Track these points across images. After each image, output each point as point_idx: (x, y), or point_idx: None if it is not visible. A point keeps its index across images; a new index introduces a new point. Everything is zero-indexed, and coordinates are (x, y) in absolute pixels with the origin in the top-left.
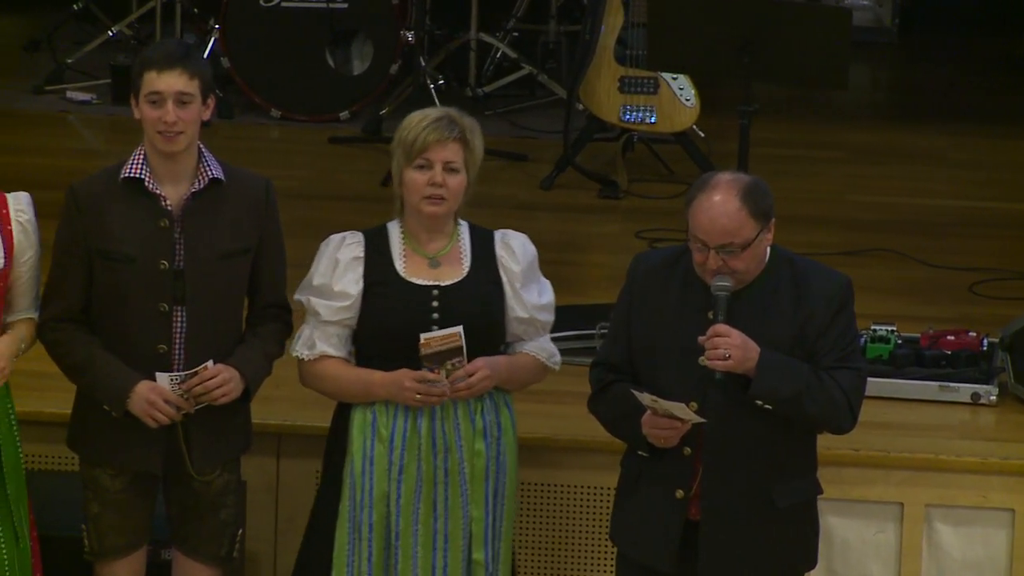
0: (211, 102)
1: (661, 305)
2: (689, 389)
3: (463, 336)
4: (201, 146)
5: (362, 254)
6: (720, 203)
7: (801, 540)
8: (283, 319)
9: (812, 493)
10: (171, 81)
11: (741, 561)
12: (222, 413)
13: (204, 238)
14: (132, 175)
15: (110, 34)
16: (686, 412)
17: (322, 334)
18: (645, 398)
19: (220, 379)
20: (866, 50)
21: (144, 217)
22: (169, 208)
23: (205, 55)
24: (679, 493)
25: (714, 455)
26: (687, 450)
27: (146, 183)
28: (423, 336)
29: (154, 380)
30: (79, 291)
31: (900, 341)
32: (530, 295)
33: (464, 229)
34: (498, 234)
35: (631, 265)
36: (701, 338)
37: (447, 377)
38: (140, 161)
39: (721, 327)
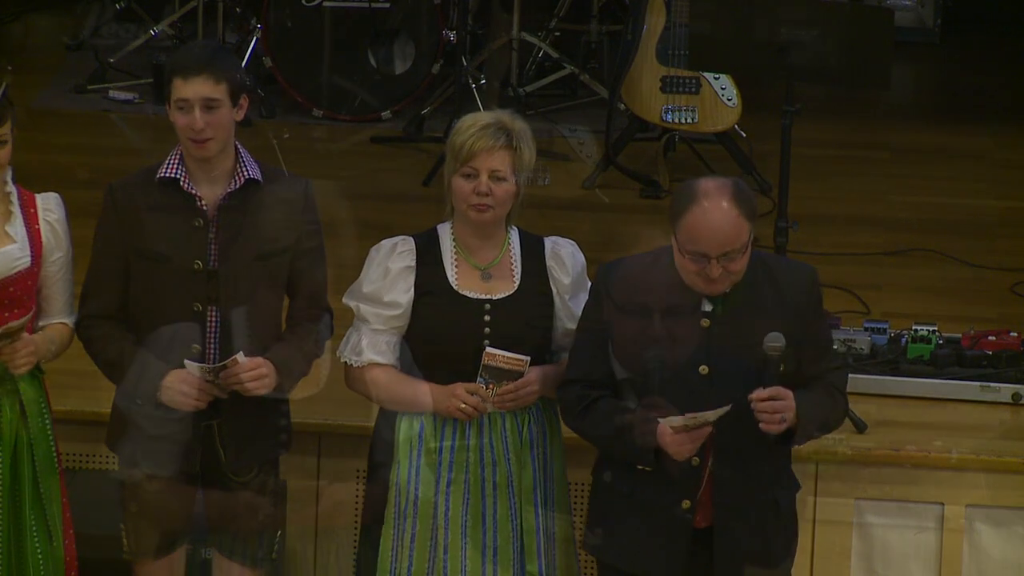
0: (243, 102)
1: (646, 313)
2: (686, 395)
3: (528, 365)
4: (239, 146)
5: (413, 263)
6: (717, 211)
7: (792, 534)
8: (322, 320)
9: (796, 488)
10: (197, 88)
11: (752, 563)
12: (258, 414)
13: (239, 238)
14: (168, 175)
15: (152, 34)
16: (720, 414)
17: (370, 341)
18: (676, 420)
19: (256, 373)
20: (908, 50)
21: (179, 217)
22: (204, 208)
23: (247, 55)
24: (685, 503)
25: (724, 461)
26: (695, 459)
27: (182, 183)
28: (489, 349)
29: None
30: (116, 289)
31: (941, 341)
32: (578, 306)
33: (515, 237)
34: (548, 242)
35: (599, 276)
36: (755, 397)
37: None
38: (176, 162)
39: (782, 390)
